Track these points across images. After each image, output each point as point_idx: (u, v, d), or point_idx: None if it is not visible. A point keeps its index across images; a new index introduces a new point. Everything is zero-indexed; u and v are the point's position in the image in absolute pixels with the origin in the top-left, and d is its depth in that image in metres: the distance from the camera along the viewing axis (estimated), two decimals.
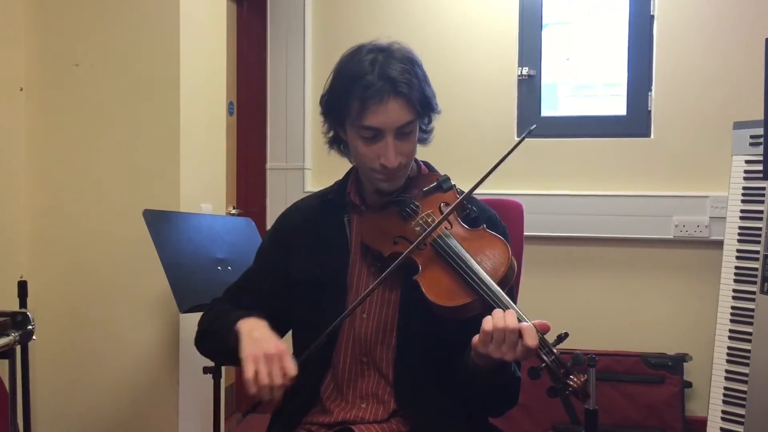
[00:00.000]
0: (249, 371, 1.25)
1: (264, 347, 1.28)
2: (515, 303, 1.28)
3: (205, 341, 1.53)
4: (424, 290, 1.31)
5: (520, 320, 1.21)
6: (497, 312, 1.22)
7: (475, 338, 1.24)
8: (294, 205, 1.60)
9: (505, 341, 1.20)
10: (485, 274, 1.29)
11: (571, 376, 1.20)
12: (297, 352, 1.51)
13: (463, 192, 1.46)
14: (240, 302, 1.52)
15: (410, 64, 1.38)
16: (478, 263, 1.31)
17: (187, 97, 2.44)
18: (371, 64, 1.35)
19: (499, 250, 1.35)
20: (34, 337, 1.66)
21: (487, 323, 1.21)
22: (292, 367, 1.26)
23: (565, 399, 1.24)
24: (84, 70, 2.46)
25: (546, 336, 1.22)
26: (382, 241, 1.41)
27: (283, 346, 1.30)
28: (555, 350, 1.21)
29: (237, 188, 3.44)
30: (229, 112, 3.31)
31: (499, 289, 1.27)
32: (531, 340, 1.18)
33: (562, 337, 1.22)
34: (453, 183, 1.48)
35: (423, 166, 1.56)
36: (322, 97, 1.45)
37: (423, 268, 1.35)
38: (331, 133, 1.49)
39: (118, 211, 2.43)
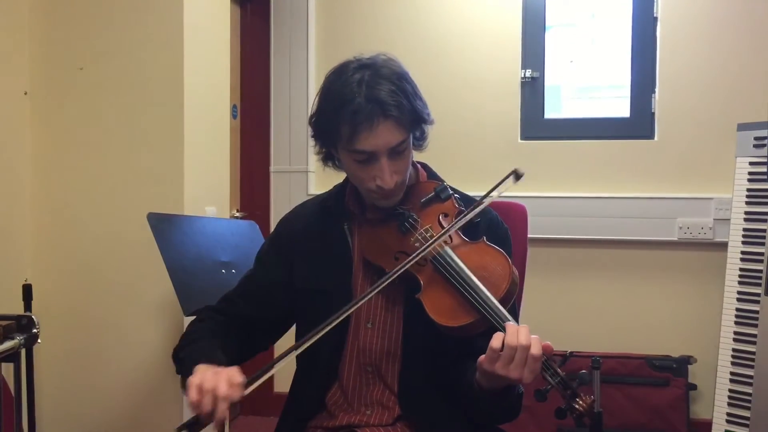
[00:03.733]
0: (194, 379, 1.21)
1: (214, 368, 1.25)
2: (518, 315, 1.26)
3: (175, 362, 1.49)
4: (426, 309, 1.31)
5: None
6: (511, 328, 1.21)
7: (482, 357, 1.23)
8: (293, 211, 1.59)
9: (515, 359, 1.19)
10: (487, 292, 1.28)
11: (578, 399, 1.20)
12: (300, 361, 1.51)
13: (460, 199, 1.46)
14: (236, 310, 1.51)
15: (398, 80, 1.34)
16: (479, 279, 1.30)
17: (190, 101, 2.45)
18: (358, 84, 1.31)
19: (500, 265, 1.33)
20: (39, 341, 1.66)
21: (496, 341, 1.20)
22: (239, 377, 1.21)
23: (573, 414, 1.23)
24: (88, 74, 2.47)
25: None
26: (383, 256, 1.40)
27: (236, 368, 1.25)
28: (560, 371, 1.21)
29: (241, 191, 3.44)
30: (233, 116, 3.31)
31: (501, 308, 1.26)
32: (536, 350, 1.19)
33: (566, 357, 1.21)
34: (451, 191, 1.45)
35: (421, 171, 1.54)
36: (311, 118, 1.42)
37: (425, 285, 1.34)
38: (324, 151, 1.46)
39: (123, 214, 2.43)
